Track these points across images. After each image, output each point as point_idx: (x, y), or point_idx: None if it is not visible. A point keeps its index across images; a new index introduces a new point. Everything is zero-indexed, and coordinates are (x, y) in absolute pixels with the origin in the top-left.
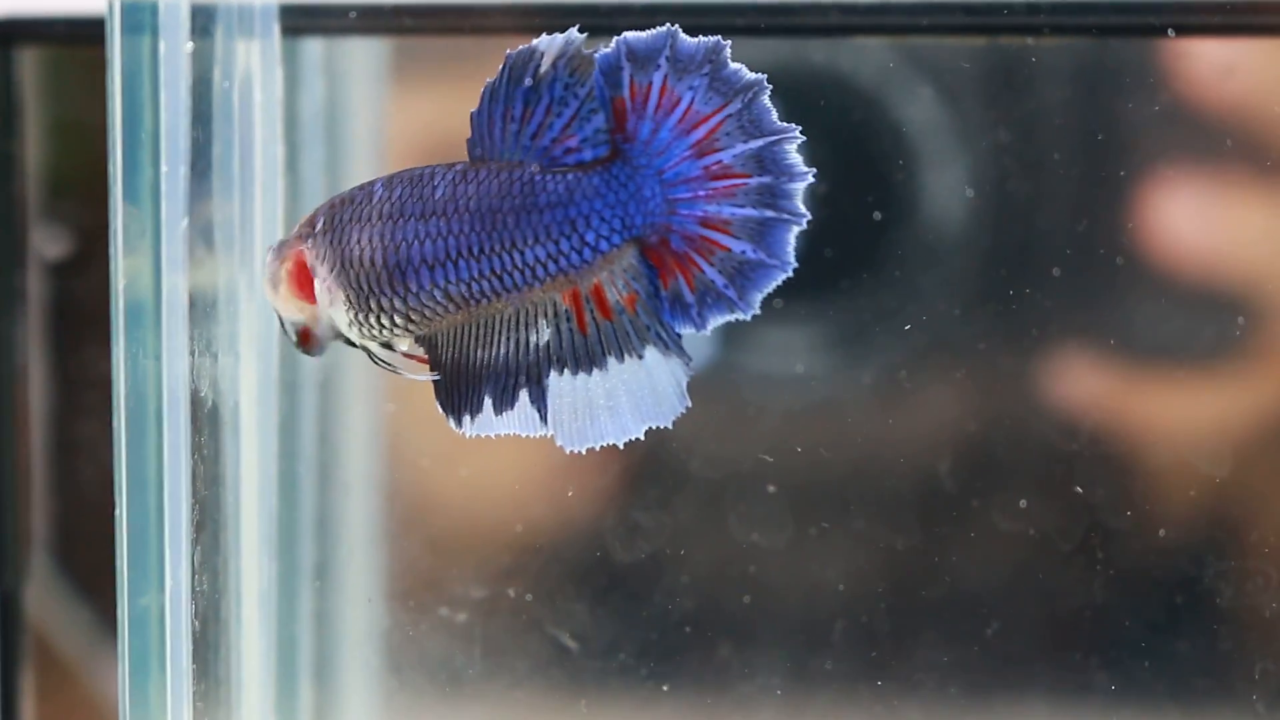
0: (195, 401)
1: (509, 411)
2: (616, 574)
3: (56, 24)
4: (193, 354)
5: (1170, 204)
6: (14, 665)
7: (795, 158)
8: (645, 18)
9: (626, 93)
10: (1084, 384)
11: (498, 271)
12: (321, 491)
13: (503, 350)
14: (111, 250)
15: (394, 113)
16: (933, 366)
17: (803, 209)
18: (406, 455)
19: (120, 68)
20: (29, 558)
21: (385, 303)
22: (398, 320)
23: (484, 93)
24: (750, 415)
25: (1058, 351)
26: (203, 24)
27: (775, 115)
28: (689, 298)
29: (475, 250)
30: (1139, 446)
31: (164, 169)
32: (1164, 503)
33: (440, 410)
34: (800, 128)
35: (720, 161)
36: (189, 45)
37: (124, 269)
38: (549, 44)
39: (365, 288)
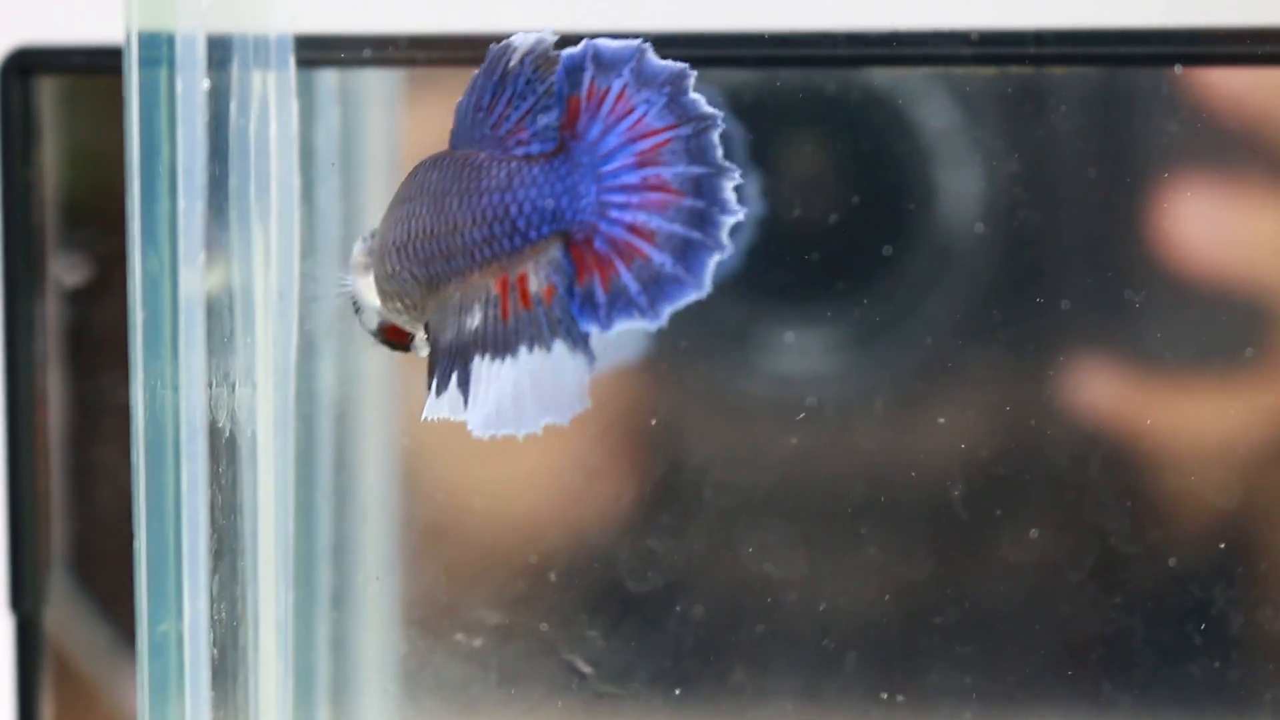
0: (213, 432)
1: (444, 393)
2: (631, 600)
3: (74, 53)
4: (210, 385)
5: (1188, 214)
6: (33, 688)
7: (730, 194)
8: (657, 48)
9: (584, 92)
10: (1103, 396)
11: (445, 253)
12: (338, 520)
13: (449, 334)
14: (129, 284)
15: (409, 142)
16: (948, 387)
17: (726, 241)
18: (422, 484)
19: (137, 103)
20: (48, 580)
21: (381, 284)
22: (392, 303)
23: (468, 85)
24: (763, 443)
25: (1077, 365)
26: (219, 56)
27: (720, 153)
28: (600, 298)
29: (429, 231)
30: (1159, 459)
31: (181, 204)
32: (1185, 517)
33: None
34: (740, 170)
35: (660, 175)
36: (206, 82)
37: (141, 302)
38: (522, 40)
39: (376, 271)
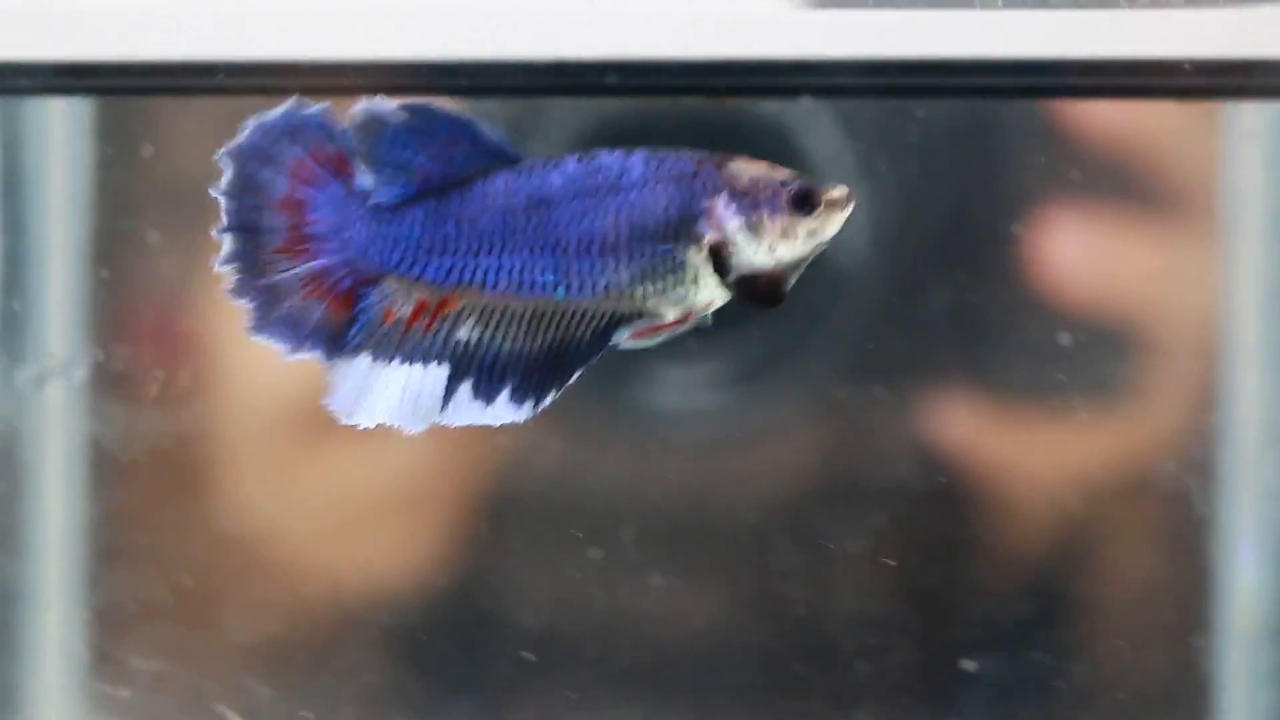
0: None
1: None
2: (290, 649)
3: None
4: None
5: (1057, 246)
6: None
7: None
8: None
9: None
10: (960, 424)
11: None
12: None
13: None
14: None
15: (96, 170)
16: (809, 416)
17: None
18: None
19: None
20: None
21: None
22: None
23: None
24: (589, 456)
25: (939, 392)
26: None
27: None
28: None
29: None
30: (1009, 488)
31: None
32: (1030, 544)
33: None
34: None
35: None
36: None
37: None
38: None
39: None
